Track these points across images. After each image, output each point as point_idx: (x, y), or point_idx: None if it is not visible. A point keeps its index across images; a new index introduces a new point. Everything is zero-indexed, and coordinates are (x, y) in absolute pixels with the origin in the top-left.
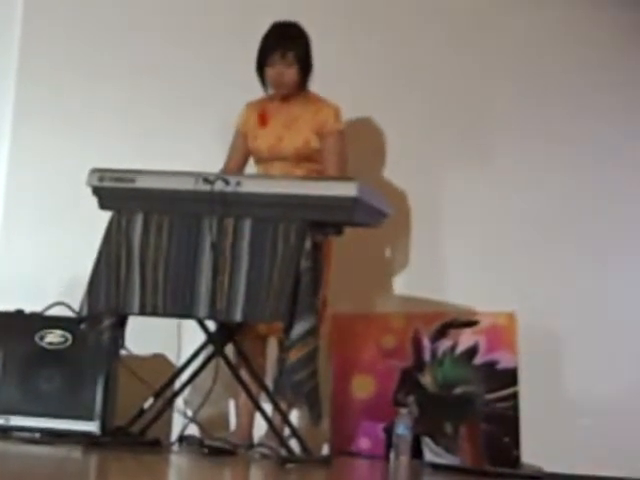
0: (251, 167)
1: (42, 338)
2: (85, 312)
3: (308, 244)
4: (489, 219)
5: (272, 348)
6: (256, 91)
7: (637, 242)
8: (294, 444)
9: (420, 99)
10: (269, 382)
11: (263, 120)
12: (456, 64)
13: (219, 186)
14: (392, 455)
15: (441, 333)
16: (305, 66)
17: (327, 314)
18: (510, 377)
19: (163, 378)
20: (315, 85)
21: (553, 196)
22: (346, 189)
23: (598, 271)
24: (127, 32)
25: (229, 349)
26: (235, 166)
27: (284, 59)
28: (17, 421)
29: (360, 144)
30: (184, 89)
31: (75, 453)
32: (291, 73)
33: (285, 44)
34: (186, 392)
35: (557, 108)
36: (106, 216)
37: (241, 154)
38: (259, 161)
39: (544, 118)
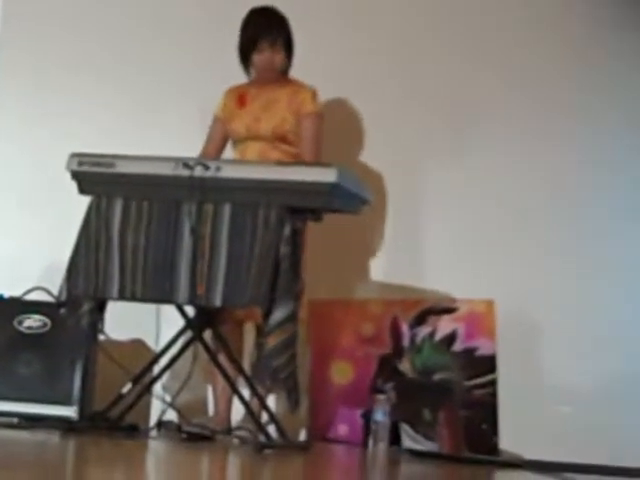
0: (228, 153)
1: (20, 323)
2: (64, 297)
3: (287, 230)
4: (469, 206)
5: (249, 333)
6: (235, 81)
7: (617, 231)
8: (272, 430)
9: (401, 87)
10: (247, 367)
11: (242, 101)
12: (438, 51)
13: (199, 171)
14: (370, 441)
15: (420, 320)
16: (290, 51)
17: (304, 299)
18: (489, 364)
19: (142, 363)
20: (296, 67)
21: (534, 185)
22: (326, 175)
23: (578, 259)
24: (107, 24)
25: (207, 334)
26: (212, 152)
27: (274, 46)
28: None
29: (339, 131)
30: (163, 79)
31: (53, 438)
32: (279, 59)
33: (274, 31)
34: (164, 377)
35: (538, 100)
36: (85, 201)
37: (218, 140)
38: (236, 142)
39: (526, 110)
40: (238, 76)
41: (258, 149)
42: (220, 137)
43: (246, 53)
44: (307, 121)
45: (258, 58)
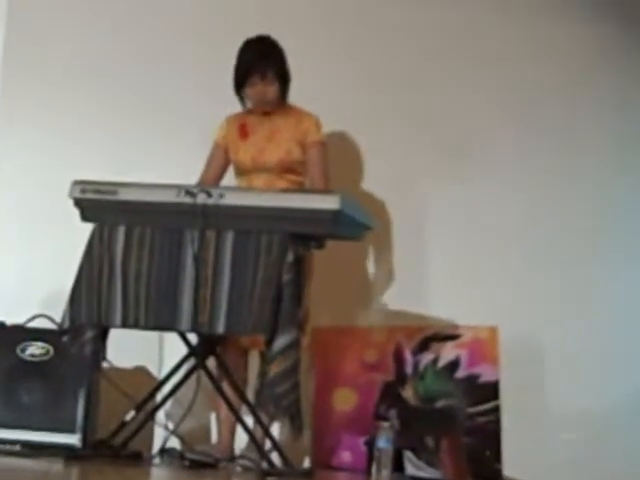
0: (228, 180)
1: (23, 350)
2: (67, 324)
3: (290, 257)
4: (472, 233)
5: (255, 360)
6: (236, 106)
7: (620, 257)
8: (275, 457)
9: (404, 113)
10: (251, 395)
11: (244, 133)
12: (439, 80)
13: (201, 198)
14: (373, 469)
15: (423, 346)
16: (284, 80)
17: (308, 327)
18: (492, 391)
19: (144, 391)
20: (294, 97)
21: (536, 212)
22: (329, 202)
23: (581, 285)
24: (108, 49)
25: (211, 362)
26: (212, 178)
27: (265, 79)
28: None
29: (341, 160)
30: (165, 105)
31: (56, 466)
32: (272, 91)
33: (263, 64)
34: (167, 405)
35: (540, 124)
36: (88, 228)
37: (218, 167)
38: (241, 173)
39: (528, 134)
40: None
41: (264, 180)
42: (220, 164)
43: (239, 86)
44: (313, 150)
45: (250, 91)
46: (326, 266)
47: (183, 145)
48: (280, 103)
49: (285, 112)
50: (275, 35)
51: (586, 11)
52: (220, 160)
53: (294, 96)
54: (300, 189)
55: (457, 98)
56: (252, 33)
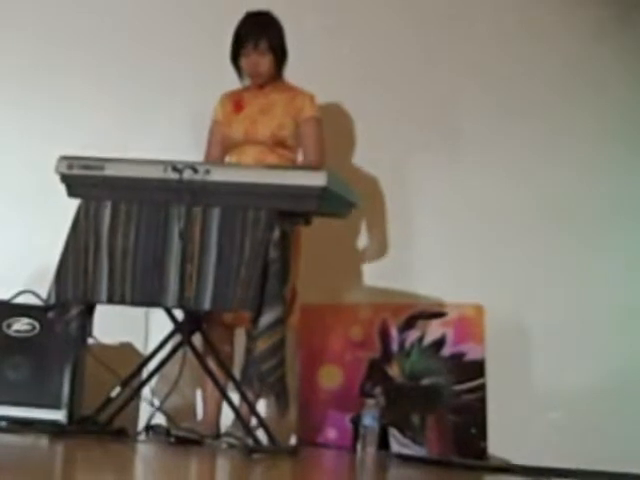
0: None
1: (9, 326)
2: (52, 300)
3: (276, 233)
4: (459, 211)
5: (241, 337)
6: (224, 80)
7: (605, 238)
8: (261, 434)
9: (391, 90)
10: (237, 371)
11: (238, 106)
12: (426, 54)
13: (188, 174)
14: (359, 446)
15: (409, 324)
16: (279, 54)
17: (297, 305)
18: (477, 369)
19: (130, 367)
20: (288, 73)
21: (523, 189)
22: (315, 179)
23: (567, 265)
24: (96, 26)
25: (197, 338)
26: (216, 156)
27: (257, 48)
28: None
29: (331, 134)
30: (154, 82)
31: (41, 442)
32: (265, 62)
33: (258, 33)
34: (153, 381)
35: (532, 106)
36: (74, 204)
37: (220, 145)
38: (233, 147)
39: (514, 110)
40: (229, 79)
41: (256, 153)
42: (221, 141)
43: (234, 57)
44: (308, 126)
45: (244, 61)
46: (313, 243)
47: (172, 122)
48: (274, 77)
49: (281, 88)
50: (270, 9)
51: None
52: (220, 138)
53: (288, 71)
54: (287, 165)
55: (449, 78)
56: (244, 8)
